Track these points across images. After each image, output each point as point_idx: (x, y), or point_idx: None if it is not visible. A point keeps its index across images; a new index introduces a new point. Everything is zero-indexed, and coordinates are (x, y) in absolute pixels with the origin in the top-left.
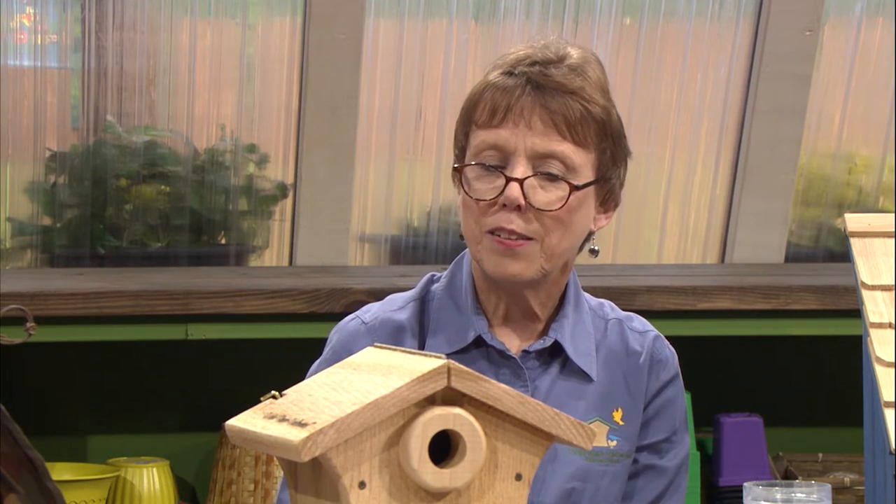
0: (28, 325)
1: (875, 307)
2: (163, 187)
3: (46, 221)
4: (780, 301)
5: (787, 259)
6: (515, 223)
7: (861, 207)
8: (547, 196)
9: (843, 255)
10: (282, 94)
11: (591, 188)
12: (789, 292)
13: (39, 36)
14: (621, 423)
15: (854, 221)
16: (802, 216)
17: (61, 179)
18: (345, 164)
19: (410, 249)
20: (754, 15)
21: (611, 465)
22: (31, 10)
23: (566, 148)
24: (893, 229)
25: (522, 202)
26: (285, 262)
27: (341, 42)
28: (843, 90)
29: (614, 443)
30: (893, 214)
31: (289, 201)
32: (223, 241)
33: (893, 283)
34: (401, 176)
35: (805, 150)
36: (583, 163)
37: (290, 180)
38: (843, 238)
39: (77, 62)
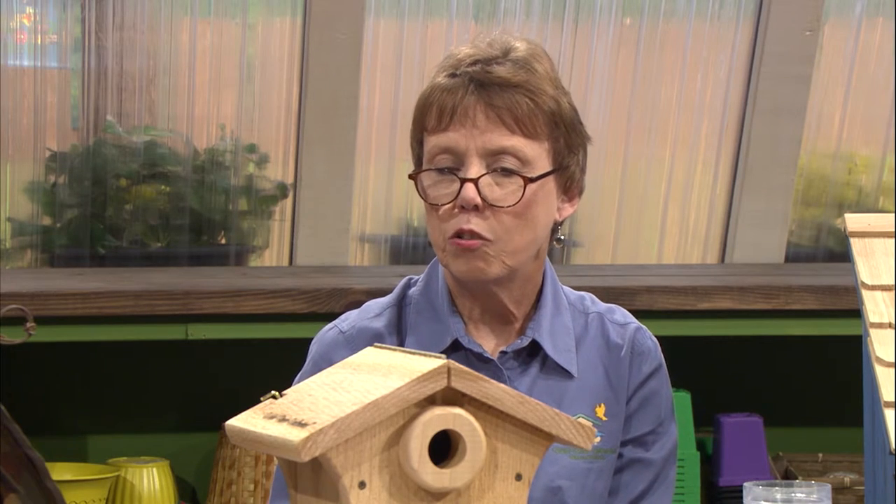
0: (28, 325)
1: (875, 307)
2: (163, 187)
3: (46, 221)
4: (780, 301)
5: (787, 259)
6: (473, 223)
7: (861, 207)
8: (502, 192)
9: (843, 255)
10: (282, 94)
11: (551, 178)
12: (789, 292)
13: (39, 36)
14: (604, 418)
15: (854, 221)
16: (802, 216)
17: (61, 179)
18: (345, 164)
19: (410, 249)
20: (754, 15)
21: (595, 461)
22: (31, 10)
23: (517, 142)
24: (893, 229)
25: (479, 202)
26: (285, 262)
27: (341, 42)
28: (843, 90)
29: (598, 439)
30: (893, 214)
31: (289, 201)
32: (223, 241)
33: (893, 283)
34: (401, 176)
35: (805, 150)
36: (536, 154)
37: (290, 180)
38: (843, 238)
39: (77, 62)
